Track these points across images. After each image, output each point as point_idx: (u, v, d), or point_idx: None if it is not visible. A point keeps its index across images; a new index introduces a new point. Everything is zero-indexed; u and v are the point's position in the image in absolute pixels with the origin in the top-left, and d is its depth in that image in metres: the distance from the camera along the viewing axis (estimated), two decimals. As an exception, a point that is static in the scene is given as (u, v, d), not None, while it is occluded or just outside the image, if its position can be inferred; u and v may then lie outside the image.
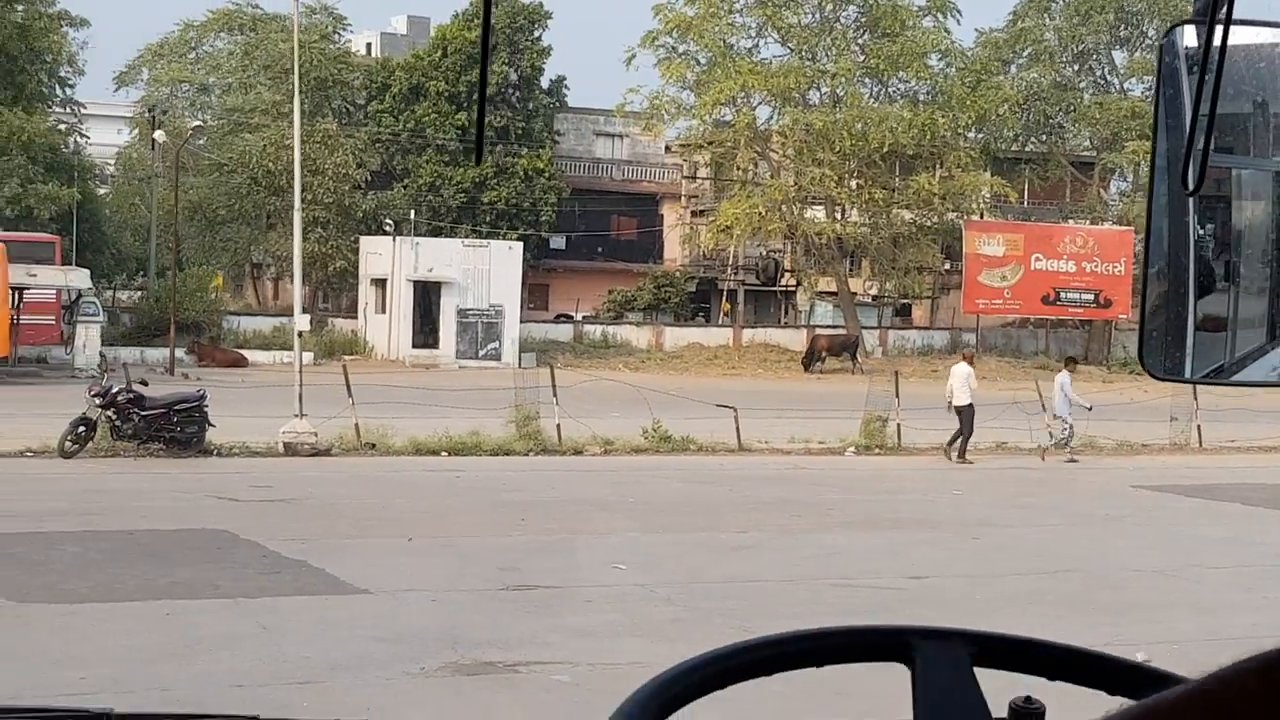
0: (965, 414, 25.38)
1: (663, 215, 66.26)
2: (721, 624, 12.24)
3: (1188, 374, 1.96)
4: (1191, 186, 1.60)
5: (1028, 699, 1.48)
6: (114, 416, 22.35)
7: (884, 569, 14.87)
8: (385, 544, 15.65)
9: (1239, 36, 1.73)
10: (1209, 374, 1.97)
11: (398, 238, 52.19)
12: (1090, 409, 25.91)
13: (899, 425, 27.07)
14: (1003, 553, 16.13)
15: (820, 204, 55.18)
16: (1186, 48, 1.84)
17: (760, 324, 60.64)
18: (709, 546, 16.21)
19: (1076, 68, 60.56)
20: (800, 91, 54.03)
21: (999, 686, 1.50)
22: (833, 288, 57.32)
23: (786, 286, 63.50)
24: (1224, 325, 1.94)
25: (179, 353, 43.13)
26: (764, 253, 63.28)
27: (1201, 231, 1.91)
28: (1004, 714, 1.47)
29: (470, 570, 14.29)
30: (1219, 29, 1.53)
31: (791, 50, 54.95)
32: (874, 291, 59.73)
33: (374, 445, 24.33)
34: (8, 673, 9.96)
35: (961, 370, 25.84)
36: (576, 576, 14.13)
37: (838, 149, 51.86)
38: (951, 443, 25.48)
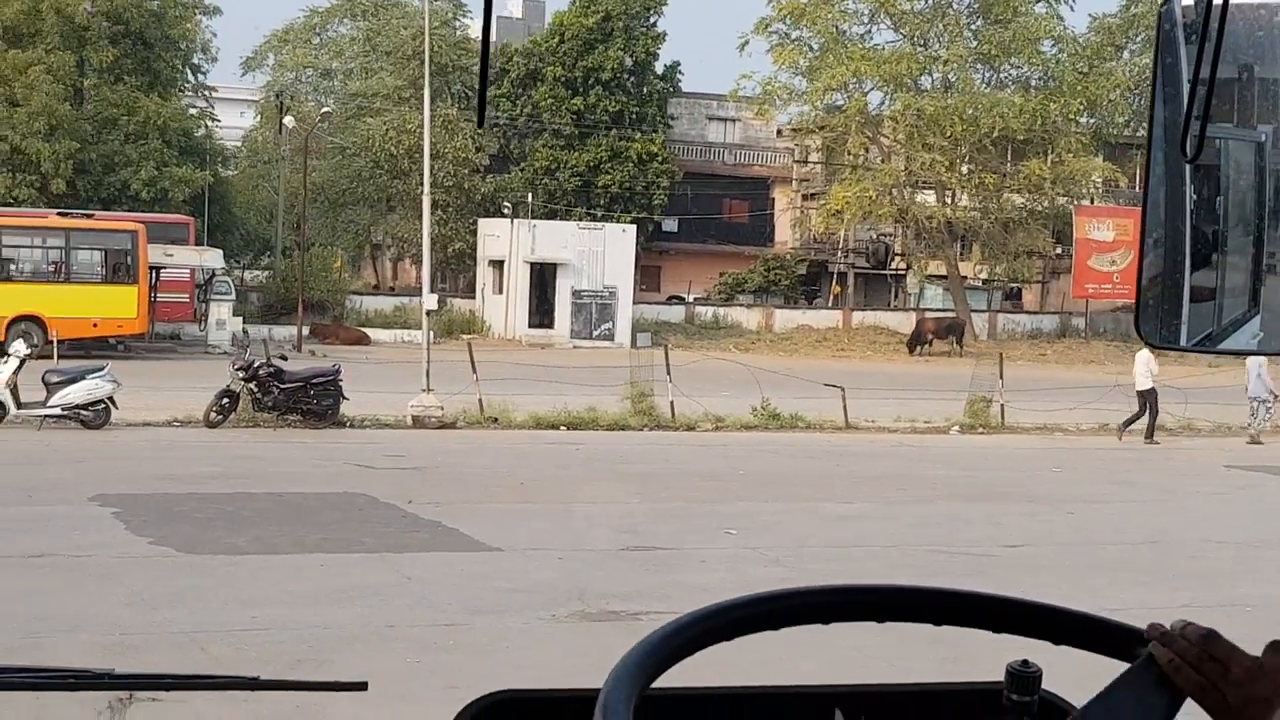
0: (1148, 398, 26.13)
1: (774, 199, 67.03)
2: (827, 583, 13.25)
3: (1183, 342, 1.98)
4: (1190, 155, 1.65)
5: (1024, 662, 1.51)
6: (255, 389, 23.73)
7: (982, 538, 15.80)
8: (513, 509, 16.81)
9: (1236, 2, 1.74)
10: (1199, 341, 1.99)
11: (515, 220, 53.52)
12: (1277, 398, 26.55)
13: (1002, 406, 27.86)
14: (1094, 525, 17.01)
15: (931, 188, 55.77)
16: (1185, 14, 1.84)
17: (870, 307, 61.32)
18: (816, 515, 17.22)
19: (1190, 53, 60.48)
20: (912, 77, 54.63)
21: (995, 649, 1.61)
22: (943, 271, 57.88)
23: (896, 270, 64.15)
24: (1212, 294, 1.95)
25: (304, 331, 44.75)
26: (874, 236, 63.96)
27: (1196, 199, 1.91)
28: (1000, 677, 1.52)
29: (593, 533, 15.41)
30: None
31: (904, 36, 55.54)
32: (984, 275, 60.21)
33: (496, 419, 25.54)
34: (188, 613, 11.19)
35: (1142, 355, 26.54)
36: (691, 540, 15.18)
37: (949, 134, 52.42)
38: (1126, 425, 26.23)
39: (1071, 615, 1.51)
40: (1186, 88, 1.74)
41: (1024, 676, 1.50)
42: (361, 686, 2.08)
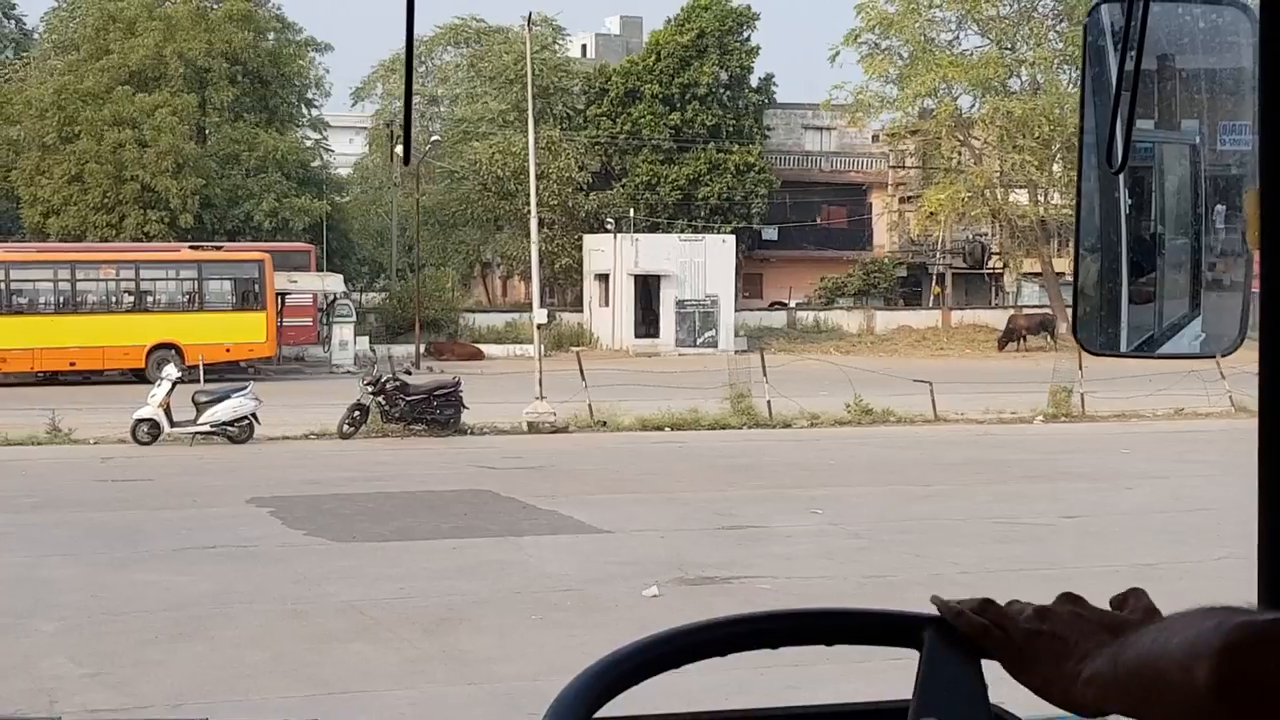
0: None
1: (871, 203, 68.45)
2: (899, 551, 15.06)
3: (1123, 347, 2.00)
4: (1115, 166, 1.68)
5: None
6: (383, 402, 25.85)
7: (1045, 511, 17.49)
8: (621, 498, 18.69)
9: (1161, 11, 1.77)
10: (1139, 346, 2.00)
11: (618, 235, 55.52)
12: None
13: (1082, 395, 29.35)
14: (1149, 497, 18.60)
15: (1023, 188, 57.04)
16: (1111, 24, 1.85)
17: (971, 305, 62.64)
18: (897, 496, 18.95)
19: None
20: (1000, 80, 55.96)
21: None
22: (1039, 268, 59.10)
23: (994, 269, 65.39)
24: (1151, 297, 1.96)
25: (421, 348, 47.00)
26: (970, 236, 65.26)
27: (1130, 204, 1.92)
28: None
29: (693, 516, 17.25)
30: (1139, 6, 1.61)
31: (990, 41, 56.91)
32: (1079, 271, 61.19)
33: (605, 423, 27.47)
34: (346, 587, 13.16)
35: None
36: (780, 519, 16.97)
37: (1037, 135, 53.70)
38: None
39: (850, 615, 1.48)
40: (1112, 98, 1.74)
41: None
42: None
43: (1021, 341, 52.42)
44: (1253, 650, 1.12)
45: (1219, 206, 1.92)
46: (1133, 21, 1.62)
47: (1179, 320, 1.96)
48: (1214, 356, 2.05)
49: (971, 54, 56.74)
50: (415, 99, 68.16)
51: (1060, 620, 1.34)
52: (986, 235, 64.48)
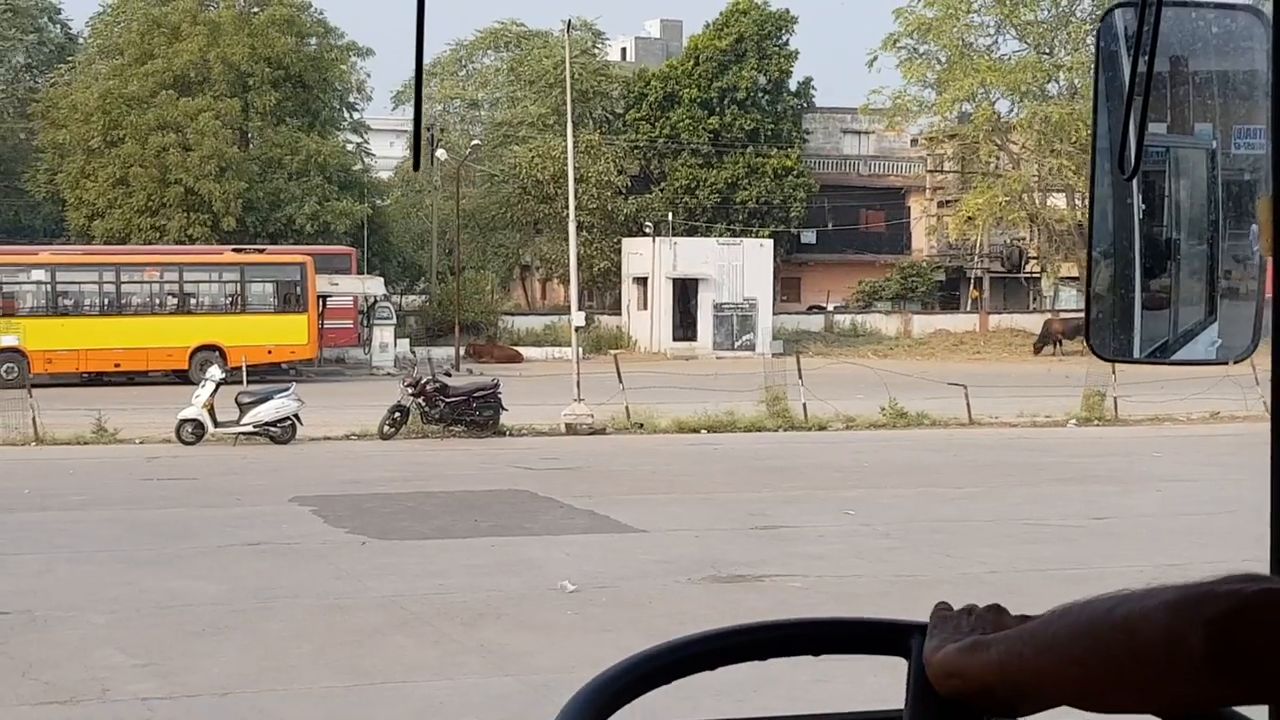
0: None
1: (909, 207, 68.55)
2: (929, 551, 15.31)
3: (1136, 354, 1.98)
4: (1128, 172, 1.67)
5: None
6: (423, 404, 26.23)
7: (1075, 513, 17.70)
8: (656, 499, 18.99)
9: (1174, 16, 1.77)
10: (1153, 352, 1.98)
11: (657, 238, 55.82)
12: None
13: (1115, 399, 29.50)
14: (1179, 499, 18.77)
15: (1061, 192, 57.06)
16: (1125, 30, 1.86)
17: (1008, 309, 62.69)
18: (928, 497, 19.19)
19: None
20: (1038, 85, 55.98)
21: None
22: (1075, 273, 59.09)
23: (1031, 273, 65.40)
24: (1166, 303, 1.94)
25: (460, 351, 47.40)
26: (1008, 241, 65.29)
27: (1144, 208, 1.90)
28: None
29: (726, 516, 17.53)
30: (1152, 11, 1.62)
31: (1028, 46, 56.95)
32: (1118, 275, 61.15)
33: (642, 425, 27.77)
34: (387, 583, 13.48)
35: None
36: (813, 520, 17.24)
37: (1075, 139, 53.66)
38: None
39: (837, 624, 1.45)
40: (1125, 102, 1.73)
41: None
42: None
43: (1058, 345, 52.44)
44: (1247, 618, 1.09)
45: (1233, 211, 1.90)
46: (1145, 26, 1.63)
47: (1194, 326, 1.94)
48: (1227, 363, 1.96)
49: (1009, 59, 56.78)
50: (455, 103, 68.74)
51: (992, 609, 1.33)
52: (1024, 239, 64.50)
